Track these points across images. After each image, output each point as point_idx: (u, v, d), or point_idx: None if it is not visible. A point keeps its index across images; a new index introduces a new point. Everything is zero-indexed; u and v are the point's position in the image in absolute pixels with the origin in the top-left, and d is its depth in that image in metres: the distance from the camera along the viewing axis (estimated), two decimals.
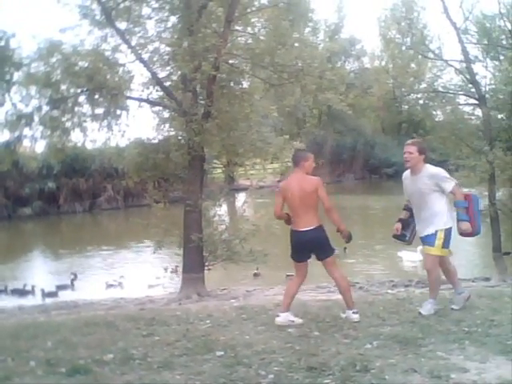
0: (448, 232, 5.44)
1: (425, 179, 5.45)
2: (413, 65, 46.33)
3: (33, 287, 13.66)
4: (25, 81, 10.06)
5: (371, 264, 15.17)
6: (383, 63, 49.32)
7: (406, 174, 5.69)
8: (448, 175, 5.53)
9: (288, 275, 13.62)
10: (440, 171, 5.53)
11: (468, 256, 16.43)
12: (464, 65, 13.15)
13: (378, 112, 49.64)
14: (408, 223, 5.74)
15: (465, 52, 12.92)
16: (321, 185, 5.39)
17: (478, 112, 13.32)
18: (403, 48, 46.42)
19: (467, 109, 14.11)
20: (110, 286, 13.86)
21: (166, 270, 14.82)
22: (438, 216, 5.42)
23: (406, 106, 49.34)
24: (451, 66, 14.26)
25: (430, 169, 5.52)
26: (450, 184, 5.42)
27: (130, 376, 4.10)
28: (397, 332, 4.83)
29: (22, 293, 13.50)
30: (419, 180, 5.49)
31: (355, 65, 47.62)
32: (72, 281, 14.09)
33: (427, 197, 5.44)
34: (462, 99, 14.37)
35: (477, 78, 13.04)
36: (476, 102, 13.00)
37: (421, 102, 48.81)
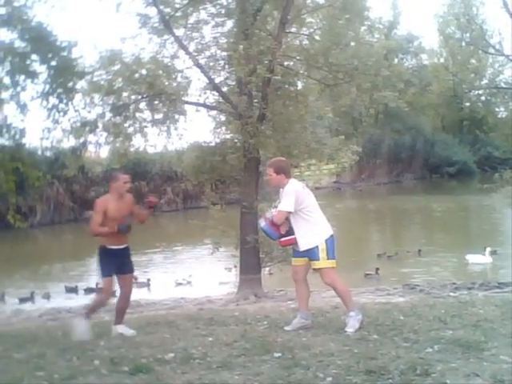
0: (330, 242, 5.39)
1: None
2: (473, 61, 44.96)
3: (97, 285, 14.08)
4: (88, 89, 10.44)
5: (435, 267, 14.82)
6: (442, 60, 48.07)
7: None
8: (289, 197, 5.32)
9: (367, 274, 13.67)
10: (286, 190, 5.39)
11: None
12: None
13: (437, 109, 48.47)
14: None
15: None
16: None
17: None
18: (463, 44, 45.15)
19: None
20: (179, 284, 14.19)
21: (229, 270, 14.95)
22: (310, 231, 5.37)
23: (467, 103, 47.92)
24: None
25: (287, 186, 5.43)
26: (280, 205, 5.37)
27: (191, 375, 4.20)
28: (459, 336, 4.71)
29: (96, 291, 13.98)
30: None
31: (413, 62, 46.59)
32: (148, 280, 14.38)
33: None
34: None
35: None
36: None
37: (482, 98, 47.34)
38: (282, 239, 5.56)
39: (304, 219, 5.39)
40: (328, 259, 5.37)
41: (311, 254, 5.38)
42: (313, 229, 5.39)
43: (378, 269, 13.63)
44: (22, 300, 13.40)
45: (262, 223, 5.63)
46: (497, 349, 4.33)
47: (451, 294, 8.98)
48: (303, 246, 5.40)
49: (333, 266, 5.43)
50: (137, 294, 12.92)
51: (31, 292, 13.68)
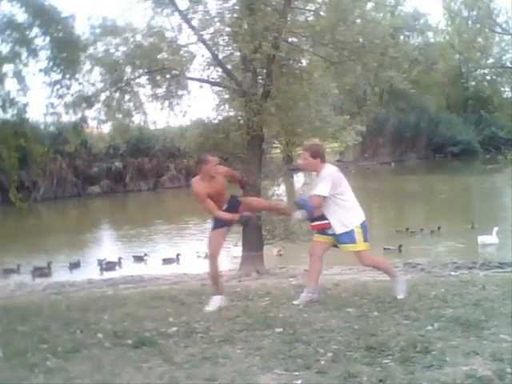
0: (364, 226, 5.47)
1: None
2: (479, 39, 44.44)
3: (119, 259, 14.59)
4: (89, 63, 10.36)
5: (440, 247, 14.90)
6: (448, 38, 47.48)
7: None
8: (325, 181, 5.36)
9: (386, 248, 13.84)
10: (322, 174, 5.43)
11: None
12: None
13: (442, 88, 48.04)
14: None
15: None
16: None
17: None
18: (469, 22, 44.58)
19: None
20: (199, 257, 14.46)
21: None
22: (346, 215, 5.42)
23: (473, 82, 47.51)
24: None
25: (323, 170, 5.47)
26: (316, 189, 5.40)
27: (193, 349, 4.25)
28: (459, 314, 4.74)
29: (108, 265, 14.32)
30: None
31: (419, 40, 46.02)
32: (177, 255, 14.72)
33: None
34: None
35: None
36: None
37: (488, 77, 46.92)
38: (315, 223, 5.60)
39: (337, 204, 5.42)
40: (364, 242, 5.46)
41: (347, 237, 5.43)
42: (348, 213, 5.44)
43: (401, 245, 13.87)
44: (37, 270, 13.78)
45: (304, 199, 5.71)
46: (497, 328, 4.36)
47: (452, 273, 9.02)
48: (339, 229, 5.43)
49: (368, 249, 5.54)
50: (164, 269, 13.10)
51: (48, 262, 14.01)
